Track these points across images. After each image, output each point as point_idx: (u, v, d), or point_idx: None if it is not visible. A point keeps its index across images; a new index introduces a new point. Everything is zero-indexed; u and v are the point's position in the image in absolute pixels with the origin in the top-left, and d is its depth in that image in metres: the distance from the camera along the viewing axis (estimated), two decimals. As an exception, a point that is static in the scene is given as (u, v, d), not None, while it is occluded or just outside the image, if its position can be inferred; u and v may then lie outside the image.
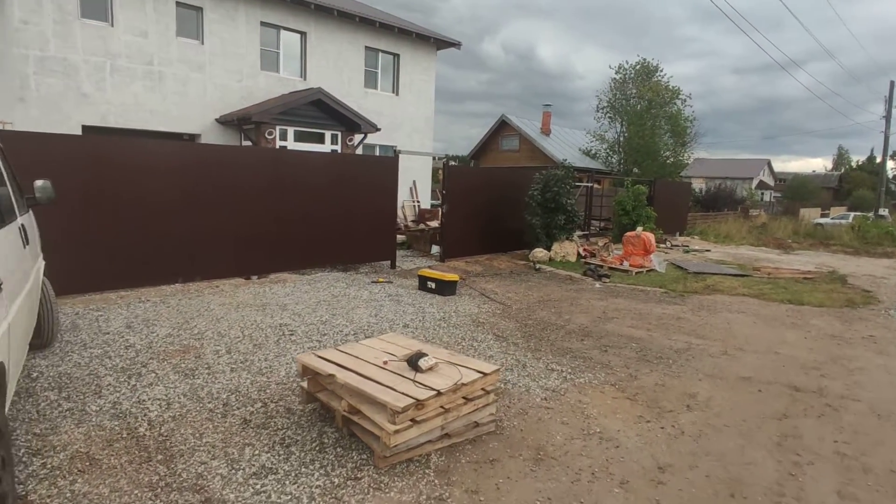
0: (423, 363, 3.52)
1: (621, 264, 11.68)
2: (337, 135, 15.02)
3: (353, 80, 16.83)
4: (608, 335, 6.29)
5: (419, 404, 3.14)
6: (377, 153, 17.71)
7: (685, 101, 27.81)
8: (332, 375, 3.47)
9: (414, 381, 3.37)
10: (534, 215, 12.09)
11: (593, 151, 32.07)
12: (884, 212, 31.20)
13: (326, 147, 14.80)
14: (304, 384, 3.82)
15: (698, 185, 39.92)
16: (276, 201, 8.57)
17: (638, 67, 28.12)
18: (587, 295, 8.80)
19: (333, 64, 16.29)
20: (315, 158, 9.50)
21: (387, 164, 10.26)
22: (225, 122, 13.83)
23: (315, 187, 9.07)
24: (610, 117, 29.65)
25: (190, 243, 7.71)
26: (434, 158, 20.43)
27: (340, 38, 16.31)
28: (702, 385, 4.79)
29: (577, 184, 16.70)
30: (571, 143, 33.96)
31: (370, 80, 17.52)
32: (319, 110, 14.38)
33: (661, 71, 27.86)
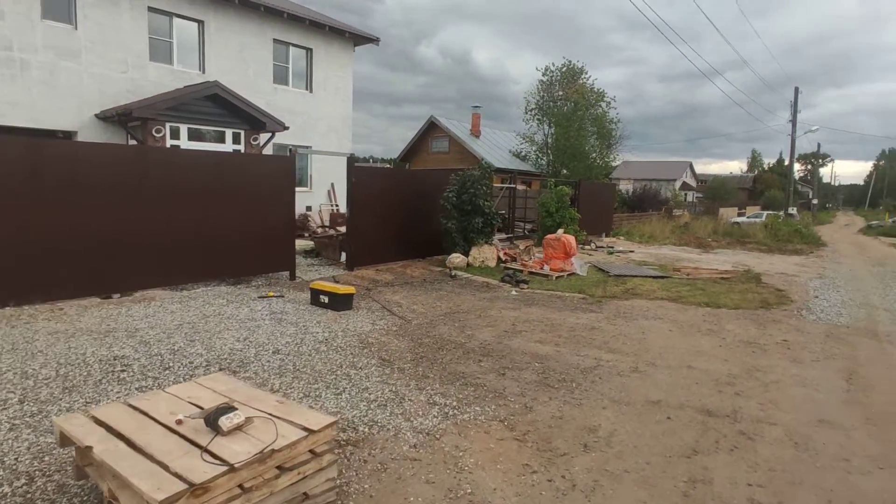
0: (225, 422, 2.59)
1: (542, 269, 11.14)
2: (239, 133, 13.72)
3: (261, 74, 15.55)
4: (511, 353, 5.56)
5: (197, 490, 2.21)
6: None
7: (610, 103, 28.16)
8: (89, 448, 2.48)
9: (204, 449, 2.44)
10: (450, 218, 11.35)
11: (523, 153, 31.98)
12: (792, 210, 32.94)
13: (228, 147, 13.47)
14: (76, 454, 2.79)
15: (625, 186, 40.89)
16: (145, 206, 7.34)
17: (564, 70, 28.21)
18: (500, 304, 8.11)
19: (237, 57, 14.95)
20: (198, 158, 8.28)
21: (282, 164, 9.19)
22: (106, 118, 12.25)
23: (197, 190, 7.89)
24: (538, 119, 29.60)
25: (28, 257, 6.38)
26: (359, 159, 19.37)
27: (244, 30, 15.00)
28: (605, 414, 4.11)
29: (500, 185, 16.18)
30: (502, 145, 33.77)
31: (280, 76, 16.28)
32: (218, 106, 13.05)
33: (587, 74, 28.09)
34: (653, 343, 6.15)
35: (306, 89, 17.02)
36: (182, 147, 12.29)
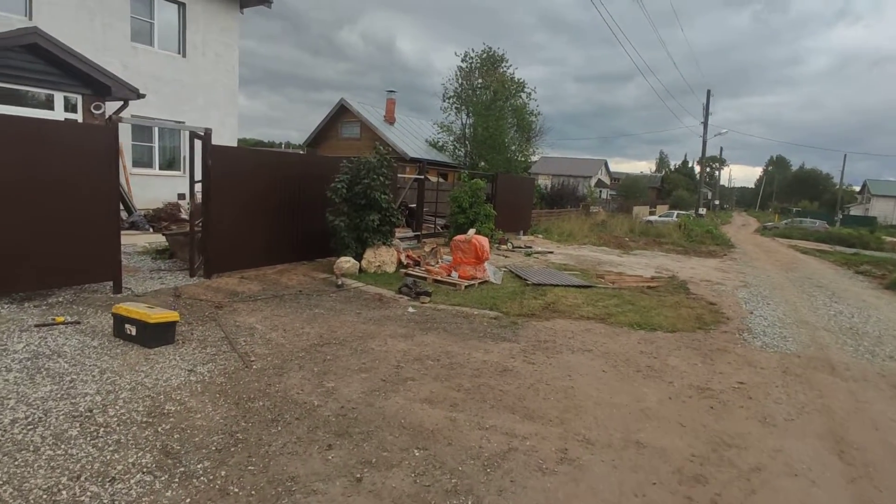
0: None
1: (449, 275, 9.40)
2: (76, 99, 10.82)
3: (113, 29, 12.58)
4: (382, 428, 3.70)
5: None
6: (155, 132, 13.65)
7: (530, 94, 27.11)
8: None
9: None
10: (338, 214, 9.31)
11: (440, 143, 30.34)
12: (702, 211, 33.80)
13: (58, 115, 10.55)
14: None
15: (544, 181, 40.49)
16: None
17: (484, 56, 26.76)
18: (389, 328, 6.24)
19: (79, 4, 11.92)
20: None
21: (99, 134, 6.70)
22: None
23: None
24: (456, 108, 28.04)
25: None
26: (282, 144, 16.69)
27: (90, -30, 11.99)
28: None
29: (408, 177, 14.31)
30: (418, 133, 31.90)
31: (142, 34, 13.36)
32: (41, 61, 10.10)
33: (507, 62, 26.82)
34: (584, 396, 4.53)
35: (178, 53, 14.17)
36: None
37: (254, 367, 4.68)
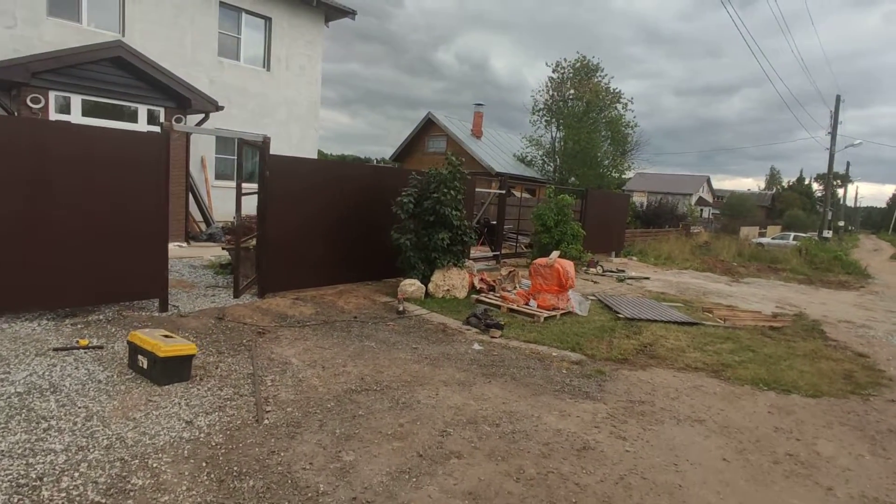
0: None
1: (527, 304, 8.20)
2: (158, 111, 10.92)
3: (202, 45, 12.77)
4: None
5: None
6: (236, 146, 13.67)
7: (626, 105, 25.18)
8: None
9: None
10: (404, 232, 8.43)
11: (528, 158, 29.06)
12: (827, 234, 29.70)
13: (141, 127, 10.67)
14: None
15: (639, 199, 37.83)
16: None
17: (577, 66, 25.26)
18: (446, 372, 5.17)
19: (171, 21, 12.18)
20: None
21: (147, 145, 6.29)
22: (-26, 83, 9.51)
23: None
24: (546, 120, 26.69)
25: None
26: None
27: (182, -13, 12.25)
28: None
29: (489, 191, 13.26)
30: (506, 148, 30.87)
31: (229, 49, 13.50)
32: (126, 74, 10.27)
33: (602, 71, 25.12)
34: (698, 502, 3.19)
35: (263, 67, 14.22)
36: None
37: (266, 421, 3.80)
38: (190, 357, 4.42)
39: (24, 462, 3.03)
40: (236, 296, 7.16)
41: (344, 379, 4.82)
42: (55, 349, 4.86)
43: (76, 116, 9.80)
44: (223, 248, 8.94)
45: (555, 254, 8.67)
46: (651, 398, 4.81)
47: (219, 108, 11.54)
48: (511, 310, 8.04)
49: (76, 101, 9.84)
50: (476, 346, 6.17)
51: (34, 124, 5.62)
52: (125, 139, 6.11)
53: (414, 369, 5.22)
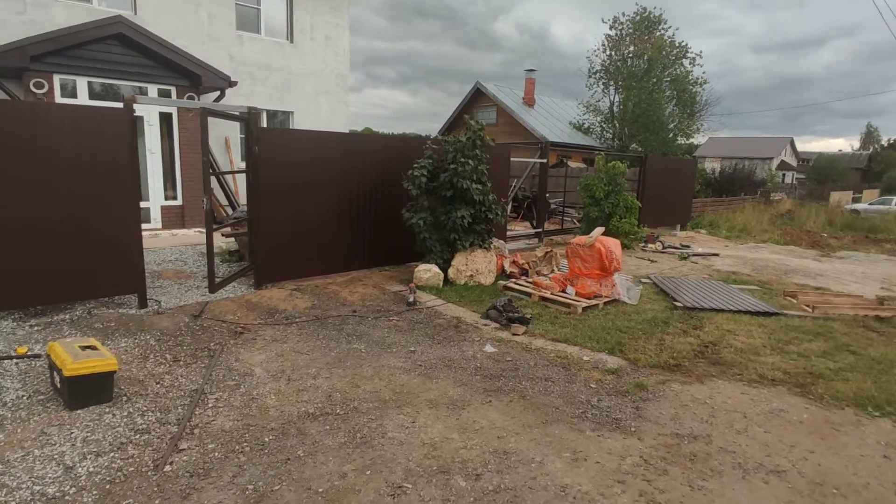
0: None
1: (563, 291, 6.95)
2: (169, 91, 10.34)
3: (218, 18, 12.06)
4: None
5: None
6: (264, 123, 13.02)
7: (694, 60, 22.59)
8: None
9: None
10: (417, 210, 7.36)
11: (586, 125, 27.01)
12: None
13: (152, 109, 10.14)
14: None
15: (711, 165, 34.69)
16: None
17: (637, 19, 22.86)
18: (439, 385, 4.11)
19: (185, -6, 11.53)
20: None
21: (110, 121, 5.51)
22: (-16, 70, 9.23)
23: None
24: (604, 83, 24.52)
25: None
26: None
27: (195, -42, 11.54)
28: None
29: (527, 160, 11.89)
30: (560, 115, 28.89)
31: (248, 21, 12.74)
32: (132, 52, 9.70)
33: (665, 23, 22.59)
34: None
35: (286, 39, 13.40)
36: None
37: (168, 467, 2.89)
38: (108, 374, 3.59)
39: None
40: (212, 291, 6.35)
41: (307, 396, 3.87)
42: (-16, 359, 4.21)
43: (83, 100, 9.36)
44: (224, 235, 8.23)
45: (597, 231, 7.31)
46: (707, 430, 3.53)
47: (232, 84, 10.83)
48: (544, 298, 6.82)
49: (82, 83, 9.39)
50: (488, 348, 5.05)
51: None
52: (85, 116, 5.36)
53: (400, 382, 4.19)
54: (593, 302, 6.64)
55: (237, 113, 6.33)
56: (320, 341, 5.08)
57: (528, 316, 6.03)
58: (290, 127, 13.29)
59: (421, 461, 3.03)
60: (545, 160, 11.18)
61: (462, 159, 7.11)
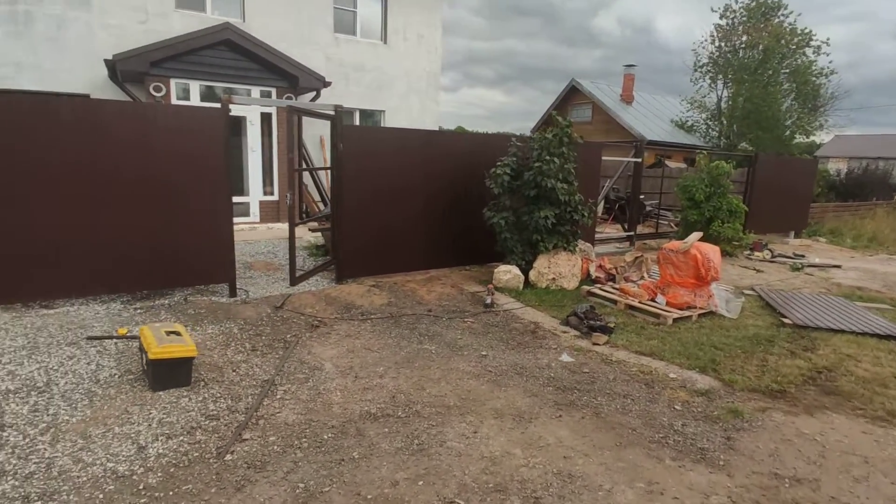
0: None
1: (653, 299, 6.44)
2: (270, 92, 10.92)
3: (318, 21, 12.56)
4: None
5: None
6: (356, 122, 13.43)
7: (819, 48, 20.32)
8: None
9: None
10: (499, 210, 7.15)
11: (689, 123, 25.29)
12: None
13: (254, 109, 10.77)
14: None
15: (836, 165, 31.14)
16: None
17: (752, 6, 20.97)
18: (508, 394, 3.91)
19: (287, 1, 12.14)
20: (54, 107, 5.27)
21: (207, 121, 5.85)
22: (113, 76, 10.27)
23: (64, 163, 5.04)
24: (711, 77, 22.81)
25: None
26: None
27: (297, -35, 12.11)
28: None
29: (619, 159, 11.25)
30: (662, 113, 27.26)
31: (345, 24, 13.16)
32: (238, 56, 10.34)
33: (786, 8, 20.52)
34: None
35: (380, 40, 13.70)
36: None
37: (229, 456, 2.94)
38: (187, 360, 3.76)
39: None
40: (292, 283, 6.57)
41: (371, 396, 3.82)
42: (89, 338, 4.60)
43: (195, 101, 10.12)
44: (311, 230, 8.51)
45: (693, 236, 6.69)
46: (815, 474, 3.03)
47: (326, 84, 11.24)
48: (630, 307, 6.36)
49: (194, 86, 10.16)
50: (564, 357, 4.76)
51: (90, 105, 5.47)
52: (185, 115, 5.75)
53: (466, 387, 4.04)
54: (686, 313, 6.08)
55: (324, 111, 6.48)
56: (392, 339, 5.05)
57: (612, 325, 5.63)
58: (382, 125, 13.59)
59: (477, 476, 2.85)
60: (640, 159, 10.50)
61: (547, 157, 6.80)
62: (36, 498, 2.52)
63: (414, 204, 7.28)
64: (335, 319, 5.56)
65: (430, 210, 7.44)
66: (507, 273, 7.00)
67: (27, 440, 3.01)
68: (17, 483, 2.63)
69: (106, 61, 9.66)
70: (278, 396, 3.75)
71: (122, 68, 9.13)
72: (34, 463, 2.80)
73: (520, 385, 4.12)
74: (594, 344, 5.20)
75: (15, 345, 4.36)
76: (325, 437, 3.21)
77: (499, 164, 7.06)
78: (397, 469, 2.88)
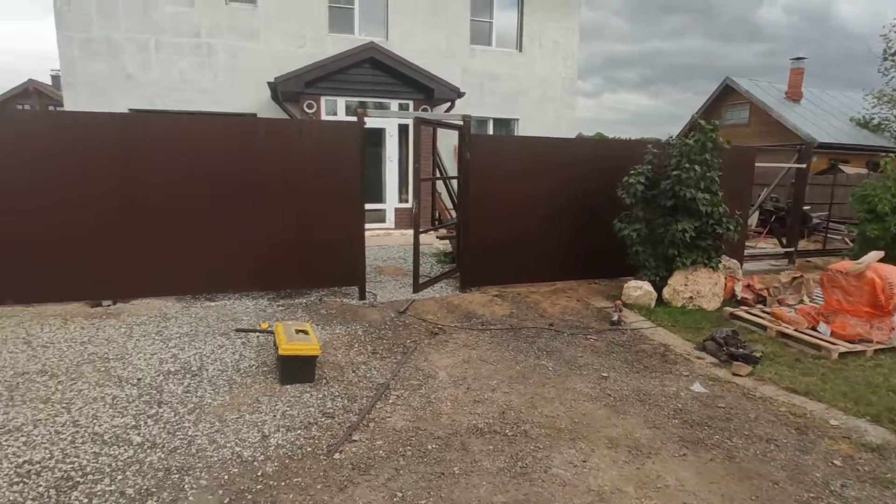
0: None
1: (813, 328, 5.57)
2: (408, 104, 11.45)
3: (455, 35, 12.93)
4: None
5: None
6: (490, 131, 13.58)
7: None
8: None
9: None
10: (631, 221, 6.69)
11: (875, 121, 21.67)
12: None
13: (392, 122, 11.38)
14: None
15: None
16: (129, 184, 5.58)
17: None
18: (627, 422, 3.61)
19: (427, 17, 12.65)
20: (215, 124, 6.04)
21: (345, 132, 6.28)
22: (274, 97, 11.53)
23: (213, 173, 5.83)
24: (906, 67, 19.31)
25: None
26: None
27: (436, -17, 12.59)
28: None
29: (775, 165, 9.94)
30: (836, 110, 23.70)
31: (481, 35, 13.37)
32: (379, 73, 10.99)
33: None
34: None
35: (515, 48, 13.70)
36: (336, 124, 10.67)
37: (338, 455, 3.08)
38: (311, 358, 4.03)
39: (95, 452, 3.00)
40: (415, 290, 6.73)
41: (481, 409, 3.78)
42: (237, 330, 5.16)
43: (341, 116, 10.97)
44: (439, 238, 8.72)
45: (871, 255, 5.64)
46: None
47: (460, 95, 11.48)
48: (783, 334, 5.55)
49: (341, 102, 11.01)
50: (696, 387, 4.29)
51: (250, 125, 6.18)
52: (328, 129, 6.26)
53: (581, 410, 3.81)
54: (857, 347, 5.15)
55: (452, 122, 6.61)
56: (509, 352, 4.95)
57: (758, 354, 4.95)
58: (516, 133, 13.56)
59: (582, 512, 2.65)
60: (804, 165, 9.18)
61: (687, 165, 6.23)
62: (175, 471, 2.86)
63: (540, 213, 7.12)
64: (454, 328, 5.61)
65: (556, 219, 7.22)
66: (638, 289, 6.52)
67: (177, 418, 3.44)
68: (162, 455, 3.01)
69: (269, 84, 10.87)
70: (391, 401, 3.86)
71: (282, 89, 10.20)
72: (179, 439, 3.18)
73: (641, 414, 3.79)
74: (734, 374, 4.62)
75: (181, 332, 5.05)
76: (430, 447, 3.22)
77: (632, 172, 6.62)
78: (496, 491, 2.79)
